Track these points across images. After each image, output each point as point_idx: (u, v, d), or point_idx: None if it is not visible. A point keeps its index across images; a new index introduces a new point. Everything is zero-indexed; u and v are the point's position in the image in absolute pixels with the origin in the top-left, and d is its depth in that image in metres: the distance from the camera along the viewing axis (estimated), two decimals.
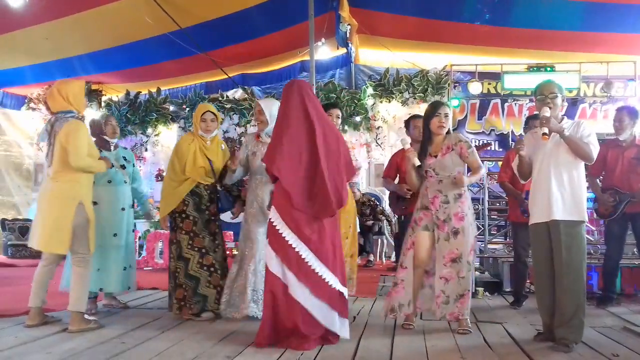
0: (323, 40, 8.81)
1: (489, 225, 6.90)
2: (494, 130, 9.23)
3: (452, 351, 3.48)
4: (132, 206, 4.92)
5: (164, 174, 4.73)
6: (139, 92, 10.92)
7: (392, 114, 9.88)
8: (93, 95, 10.47)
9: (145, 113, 10.83)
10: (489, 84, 8.32)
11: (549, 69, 7.63)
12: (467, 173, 4.24)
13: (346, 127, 9.74)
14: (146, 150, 10.77)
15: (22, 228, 9.51)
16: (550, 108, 3.65)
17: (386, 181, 5.43)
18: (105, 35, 8.21)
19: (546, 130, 3.54)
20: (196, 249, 4.34)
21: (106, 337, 3.70)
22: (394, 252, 8.54)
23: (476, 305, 5.05)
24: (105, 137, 4.72)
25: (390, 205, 5.71)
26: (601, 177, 5.35)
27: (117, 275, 4.61)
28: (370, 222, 8.68)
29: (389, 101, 9.89)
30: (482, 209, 6.93)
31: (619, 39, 7.66)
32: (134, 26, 7.87)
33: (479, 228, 6.99)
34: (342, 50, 9.64)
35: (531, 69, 7.64)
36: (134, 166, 4.98)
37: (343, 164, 3.65)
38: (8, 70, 9.47)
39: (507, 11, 7.42)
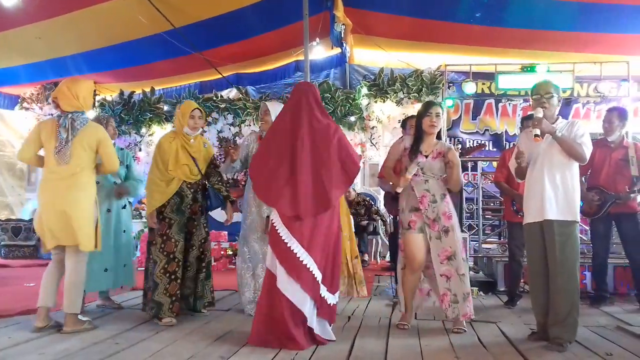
0: (317, 40, 8.80)
1: (483, 225, 6.93)
2: (488, 130, 9.25)
3: (447, 351, 3.48)
4: (125, 207, 4.88)
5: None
6: (132, 92, 10.88)
7: (386, 113, 9.89)
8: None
9: (139, 113, 10.80)
10: (483, 84, 8.35)
11: (545, 69, 7.67)
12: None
13: (340, 127, 9.74)
14: (140, 150, 10.73)
15: (16, 228, 9.46)
16: (545, 108, 3.66)
17: (381, 181, 5.43)
18: (99, 35, 8.18)
19: (538, 131, 3.56)
20: (165, 253, 4.19)
21: (100, 337, 3.68)
22: (389, 252, 8.57)
23: None
24: None
25: (385, 205, 5.72)
26: (586, 176, 5.36)
27: (116, 272, 4.62)
28: (365, 222, 8.69)
29: (384, 101, 9.89)
30: (476, 208, 6.95)
31: (612, 40, 7.69)
32: (128, 26, 7.84)
33: (472, 228, 7.03)
34: (337, 50, 9.65)
35: (525, 69, 7.68)
36: (128, 168, 4.93)
37: (339, 167, 3.60)
38: (1, 70, 9.42)
39: (501, 11, 7.44)
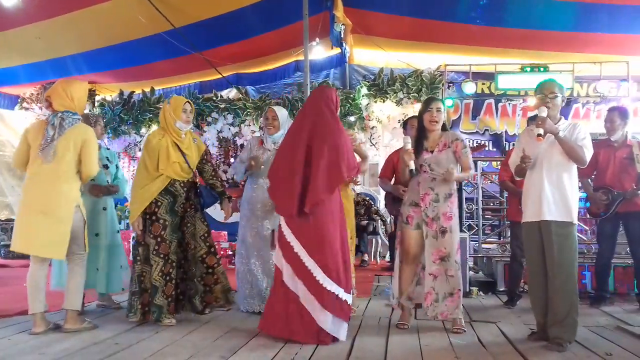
0: (317, 40, 8.80)
1: (482, 225, 6.93)
2: (487, 130, 9.23)
3: (446, 350, 3.48)
4: (115, 207, 4.89)
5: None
6: (132, 92, 10.87)
7: (386, 113, 9.88)
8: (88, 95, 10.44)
9: (139, 113, 10.79)
10: (483, 84, 8.34)
11: (542, 69, 7.66)
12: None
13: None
14: (140, 150, 10.72)
15: None
16: (548, 108, 3.66)
17: (382, 181, 5.43)
18: (98, 35, 8.18)
19: (541, 131, 3.56)
20: (161, 255, 4.09)
21: (100, 337, 3.68)
22: (389, 252, 8.57)
23: (470, 304, 5.07)
24: None
25: (386, 205, 5.72)
26: (592, 177, 5.37)
27: (99, 275, 4.56)
28: (364, 222, 8.68)
29: (383, 101, 9.88)
30: (476, 208, 6.95)
31: (611, 40, 7.69)
32: (128, 26, 7.84)
33: (472, 228, 7.02)
34: (337, 50, 9.65)
35: (525, 69, 7.67)
36: (117, 167, 4.94)
37: (325, 173, 3.64)
38: (1, 70, 9.42)
39: (501, 11, 7.44)
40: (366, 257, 8.61)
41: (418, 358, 3.31)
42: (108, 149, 5.13)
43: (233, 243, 8.22)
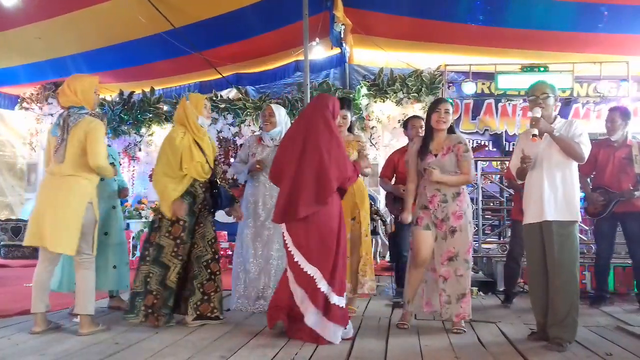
0: (317, 40, 8.80)
1: (482, 225, 6.93)
2: (487, 130, 9.25)
3: (446, 351, 3.48)
4: (122, 205, 4.92)
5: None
6: (132, 92, 10.87)
7: (386, 113, 9.88)
8: None
9: (139, 113, 10.79)
10: (483, 84, 8.37)
11: (542, 69, 7.68)
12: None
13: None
14: (140, 150, 10.72)
15: (15, 228, 9.47)
16: (542, 108, 3.66)
17: (383, 181, 5.43)
18: (98, 35, 8.18)
19: (536, 131, 3.56)
20: (179, 257, 4.01)
21: (100, 337, 3.68)
22: (389, 252, 8.56)
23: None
24: None
25: (386, 205, 5.71)
26: (591, 177, 5.37)
27: (110, 273, 4.56)
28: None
29: (383, 101, 9.88)
30: (476, 208, 6.94)
31: (611, 40, 7.70)
32: (128, 25, 7.84)
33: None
34: (337, 50, 9.65)
35: (525, 69, 7.68)
36: (119, 164, 4.98)
37: (313, 183, 3.63)
38: (1, 70, 9.42)
39: (500, 11, 7.44)
40: None
41: (418, 358, 3.31)
42: (109, 145, 5.14)
43: (233, 243, 8.23)
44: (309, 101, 6.66)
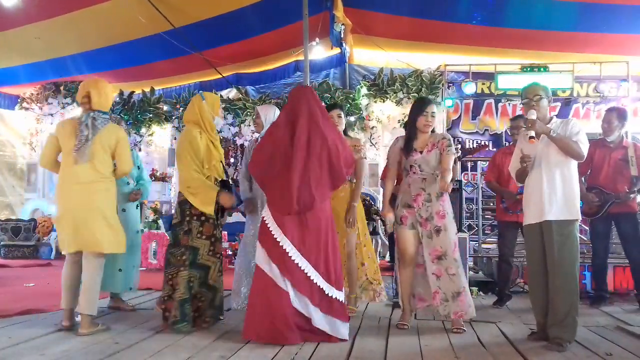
0: (317, 40, 8.80)
1: (482, 225, 6.93)
2: (487, 130, 9.25)
3: (446, 350, 3.48)
4: (138, 207, 4.89)
5: (172, 170, 4.31)
6: (132, 92, 10.87)
7: (386, 113, 9.88)
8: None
9: (139, 113, 10.79)
10: (483, 84, 8.36)
11: (542, 69, 7.67)
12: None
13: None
14: (140, 150, 10.73)
15: (15, 228, 9.48)
16: (536, 110, 3.67)
17: (384, 182, 5.40)
18: (98, 35, 8.18)
19: (532, 133, 3.57)
20: (217, 255, 3.98)
21: (100, 337, 3.68)
22: (389, 252, 8.56)
23: None
24: None
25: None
26: (586, 176, 5.37)
27: (117, 275, 4.55)
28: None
29: (383, 101, 9.89)
30: (476, 208, 6.95)
31: (611, 40, 7.70)
32: (128, 25, 7.84)
33: (472, 228, 7.03)
34: (337, 50, 9.64)
35: (525, 69, 7.68)
36: (140, 169, 4.93)
37: (327, 170, 3.64)
38: (1, 70, 9.41)
39: (500, 11, 7.44)
40: None
41: (418, 358, 3.31)
42: (131, 149, 5.14)
43: (233, 243, 8.24)
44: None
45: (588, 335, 3.92)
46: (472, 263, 6.86)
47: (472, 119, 9.31)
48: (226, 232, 8.35)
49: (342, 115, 4.73)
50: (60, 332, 3.80)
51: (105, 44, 8.47)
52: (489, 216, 7.84)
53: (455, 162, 4.18)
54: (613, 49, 7.91)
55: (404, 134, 4.39)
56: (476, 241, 6.92)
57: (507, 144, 8.40)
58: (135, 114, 10.78)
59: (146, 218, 8.64)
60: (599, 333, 4.00)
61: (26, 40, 8.04)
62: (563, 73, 7.65)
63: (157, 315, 4.40)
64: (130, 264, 4.68)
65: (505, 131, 9.19)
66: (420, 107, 4.18)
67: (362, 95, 9.94)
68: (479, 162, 7.59)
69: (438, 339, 3.79)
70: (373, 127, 9.93)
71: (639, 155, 5.10)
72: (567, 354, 3.39)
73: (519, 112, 8.63)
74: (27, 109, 11.05)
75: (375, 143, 9.93)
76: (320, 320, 3.56)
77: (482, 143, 9.07)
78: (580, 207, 5.30)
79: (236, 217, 4.83)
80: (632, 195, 5.02)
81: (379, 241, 9.19)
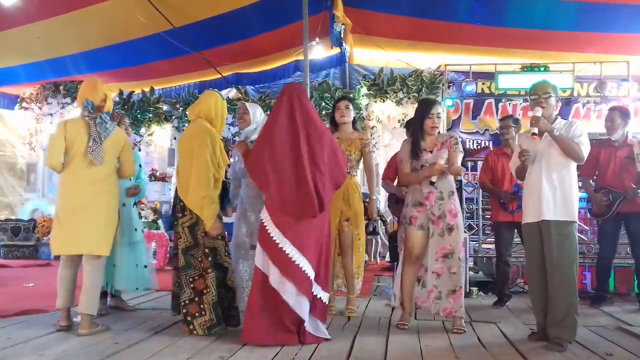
0: (317, 39, 8.80)
1: (483, 225, 6.92)
2: (488, 130, 9.24)
3: (446, 351, 3.48)
4: (135, 205, 4.88)
5: (172, 170, 4.20)
6: (132, 92, 10.88)
7: (386, 113, 9.88)
8: None
9: (139, 113, 10.79)
10: (483, 83, 8.33)
11: (542, 69, 7.66)
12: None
13: None
14: (139, 150, 10.72)
15: (15, 228, 9.47)
16: (543, 108, 3.66)
17: (385, 182, 5.38)
18: (98, 35, 8.18)
19: (536, 130, 3.57)
20: (229, 255, 3.95)
21: (99, 337, 3.67)
22: (389, 252, 8.56)
23: (470, 304, 5.06)
24: None
25: (388, 206, 5.69)
26: (594, 178, 5.37)
27: (128, 272, 4.53)
28: (364, 222, 8.65)
29: (383, 101, 9.89)
30: (476, 208, 6.94)
31: (612, 39, 7.69)
32: (127, 25, 7.84)
33: (472, 228, 7.02)
34: (336, 50, 9.65)
35: (525, 69, 7.66)
36: (140, 166, 4.93)
37: (327, 169, 3.64)
38: (0, 70, 9.41)
39: (501, 11, 7.44)
40: (366, 258, 8.59)
41: (418, 358, 3.31)
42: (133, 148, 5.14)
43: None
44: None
45: (588, 335, 3.91)
46: (472, 263, 6.85)
47: (472, 119, 9.29)
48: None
49: (351, 107, 4.71)
50: (59, 332, 3.80)
51: (105, 44, 8.48)
52: (488, 216, 7.83)
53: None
54: (613, 48, 7.91)
55: (404, 134, 4.38)
56: (476, 241, 6.91)
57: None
58: (135, 113, 10.78)
59: (145, 218, 8.63)
60: (599, 333, 4.00)
61: (26, 40, 8.04)
62: (563, 73, 7.63)
63: (157, 316, 4.42)
64: (132, 262, 4.60)
65: None
66: (425, 109, 4.17)
67: (362, 95, 9.94)
68: (479, 162, 7.57)
69: (438, 339, 3.78)
70: (373, 127, 9.93)
71: None
72: (567, 354, 3.39)
73: (519, 111, 8.63)
74: (26, 108, 11.06)
75: (375, 143, 9.91)
76: (308, 322, 3.55)
77: (484, 145, 9.06)
78: (591, 208, 5.34)
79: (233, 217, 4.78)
80: (639, 192, 5.01)
81: (379, 241, 9.19)
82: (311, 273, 3.54)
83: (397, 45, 9.35)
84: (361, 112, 9.93)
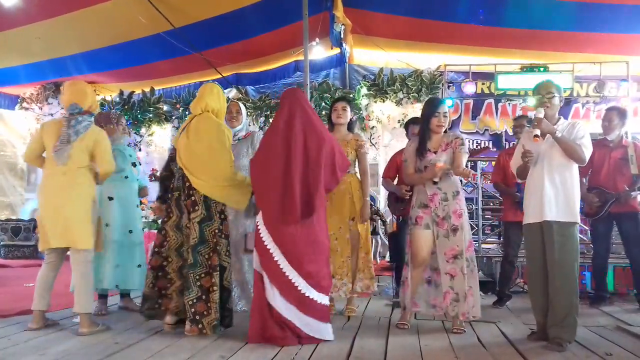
0: (317, 40, 8.79)
1: (482, 225, 6.93)
2: (487, 130, 9.24)
3: (446, 351, 3.48)
4: (138, 205, 4.90)
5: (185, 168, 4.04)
6: (132, 92, 10.87)
7: (386, 114, 9.87)
8: None
9: (139, 113, 10.79)
10: (483, 84, 8.34)
11: (542, 69, 7.67)
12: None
13: None
14: (140, 150, 10.72)
15: (15, 228, 9.47)
16: (547, 107, 3.67)
17: (386, 182, 5.40)
18: (98, 35, 8.17)
19: (538, 132, 3.57)
20: (230, 255, 3.91)
21: (100, 337, 3.68)
22: (388, 252, 8.55)
23: None
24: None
25: (388, 205, 5.70)
26: (587, 176, 5.37)
27: (133, 272, 4.57)
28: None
29: (383, 101, 9.87)
30: (476, 208, 6.95)
31: (611, 39, 7.69)
32: (128, 25, 7.84)
33: (472, 228, 7.04)
34: (336, 50, 9.64)
35: (524, 69, 7.67)
36: (134, 165, 4.94)
37: (324, 173, 3.65)
38: (1, 70, 9.41)
39: (500, 11, 7.44)
40: None
41: (418, 358, 3.31)
42: (128, 145, 5.14)
43: None
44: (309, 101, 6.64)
45: (588, 335, 3.92)
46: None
47: (472, 119, 9.29)
48: None
49: (348, 109, 4.73)
50: (60, 332, 3.81)
51: (105, 44, 8.46)
52: (488, 216, 7.85)
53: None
54: (613, 49, 7.91)
55: (404, 134, 4.39)
56: (476, 241, 6.91)
57: (507, 143, 8.42)
58: (135, 114, 10.77)
59: (145, 218, 8.63)
60: (599, 333, 4.00)
61: (26, 40, 8.04)
62: (563, 73, 7.64)
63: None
64: (135, 262, 4.63)
65: (505, 131, 9.20)
66: (432, 107, 4.18)
67: (362, 95, 9.93)
68: (478, 163, 7.58)
69: (438, 339, 3.79)
70: (373, 127, 9.91)
71: (639, 154, 5.10)
72: (567, 354, 3.39)
73: (519, 112, 8.64)
74: (27, 109, 11.05)
75: (375, 143, 9.91)
76: (305, 324, 3.55)
77: (484, 145, 9.06)
78: (581, 208, 5.33)
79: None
80: (632, 194, 5.02)
81: (379, 241, 9.19)
82: (296, 279, 3.53)
83: (397, 46, 9.34)
84: (361, 112, 9.92)
